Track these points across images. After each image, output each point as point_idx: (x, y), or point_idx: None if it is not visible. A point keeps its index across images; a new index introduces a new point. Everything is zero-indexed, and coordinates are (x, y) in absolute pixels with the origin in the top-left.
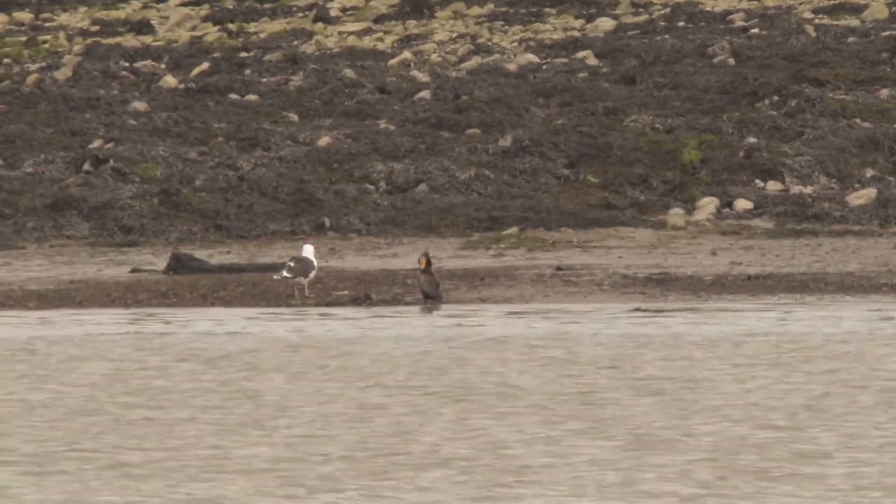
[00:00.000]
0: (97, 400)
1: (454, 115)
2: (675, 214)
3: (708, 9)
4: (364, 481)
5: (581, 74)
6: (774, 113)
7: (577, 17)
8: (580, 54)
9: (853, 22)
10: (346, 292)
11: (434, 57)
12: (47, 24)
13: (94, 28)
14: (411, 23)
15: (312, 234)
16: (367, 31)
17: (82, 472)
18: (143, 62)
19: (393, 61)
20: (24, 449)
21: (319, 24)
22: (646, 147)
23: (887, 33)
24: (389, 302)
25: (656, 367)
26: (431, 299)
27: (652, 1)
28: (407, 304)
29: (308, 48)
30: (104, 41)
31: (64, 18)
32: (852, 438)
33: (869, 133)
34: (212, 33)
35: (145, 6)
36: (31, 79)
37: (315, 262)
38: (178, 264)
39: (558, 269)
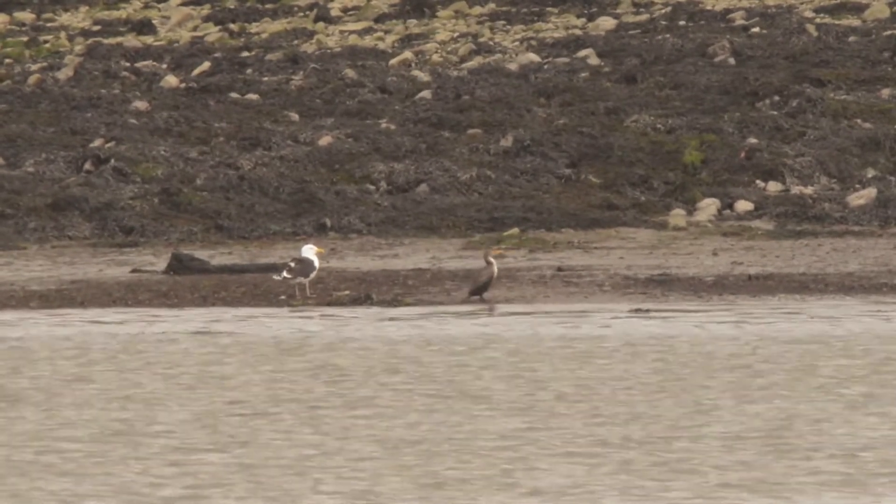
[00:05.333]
0: None
1: (455, 115)
2: (677, 215)
3: (709, 8)
4: None
5: (582, 74)
6: (775, 113)
7: (578, 17)
8: (581, 53)
9: (854, 21)
10: (346, 292)
11: (435, 56)
12: (48, 25)
13: (96, 28)
14: (412, 22)
15: (313, 234)
16: (368, 31)
17: None
18: (145, 62)
19: (394, 61)
20: None
21: (320, 24)
22: (647, 147)
23: (889, 33)
24: (390, 302)
25: None
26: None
27: (653, 0)
28: (409, 304)
29: (309, 48)
30: (105, 41)
31: (65, 18)
32: None
33: (870, 133)
34: (213, 33)
35: (146, 6)
36: (32, 79)
37: (316, 262)
38: (179, 264)
39: (559, 269)
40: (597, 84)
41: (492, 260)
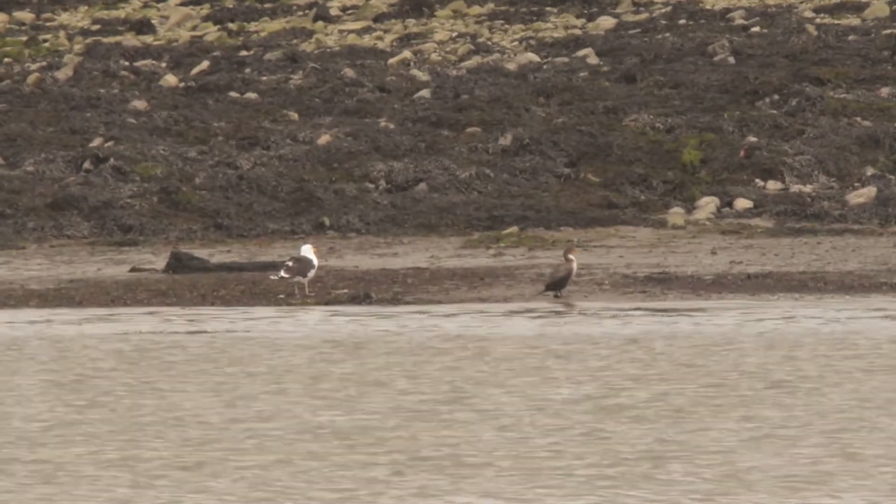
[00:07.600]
0: None
1: (454, 114)
2: (676, 213)
3: (708, 7)
4: None
5: (581, 73)
6: (775, 112)
7: (577, 16)
8: (580, 53)
9: (854, 20)
10: (345, 291)
11: (434, 56)
12: (48, 24)
13: (95, 27)
14: (411, 21)
15: (312, 233)
16: (367, 30)
17: None
18: (144, 61)
19: (393, 60)
20: None
21: (319, 23)
22: (646, 146)
23: (888, 31)
24: (389, 301)
25: None
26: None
27: None
28: (407, 303)
29: (308, 47)
30: (104, 40)
31: (64, 18)
32: None
33: (869, 131)
34: (212, 32)
35: (146, 5)
36: (31, 78)
37: (315, 262)
38: (178, 263)
39: None
40: (596, 83)
41: (571, 257)
